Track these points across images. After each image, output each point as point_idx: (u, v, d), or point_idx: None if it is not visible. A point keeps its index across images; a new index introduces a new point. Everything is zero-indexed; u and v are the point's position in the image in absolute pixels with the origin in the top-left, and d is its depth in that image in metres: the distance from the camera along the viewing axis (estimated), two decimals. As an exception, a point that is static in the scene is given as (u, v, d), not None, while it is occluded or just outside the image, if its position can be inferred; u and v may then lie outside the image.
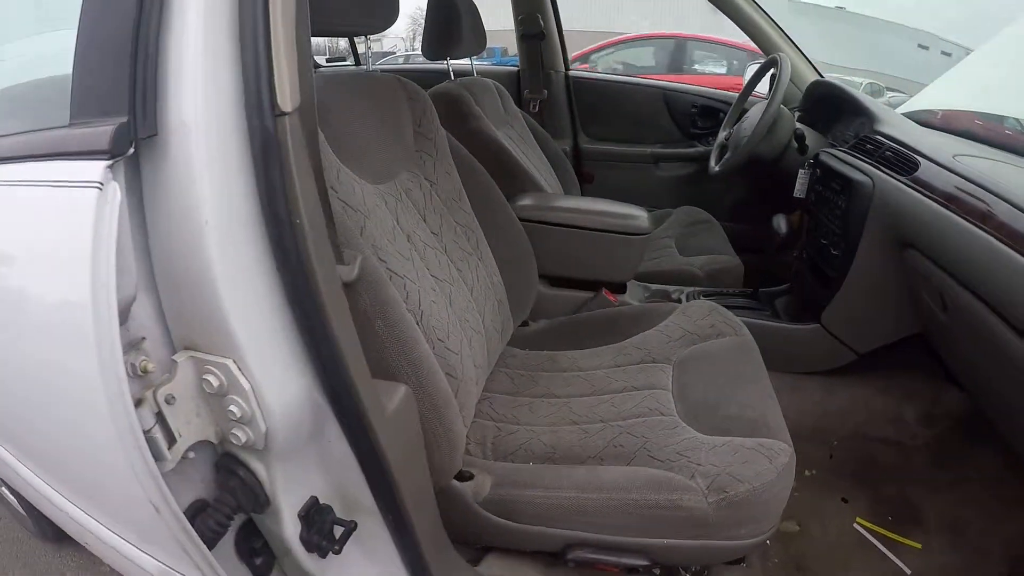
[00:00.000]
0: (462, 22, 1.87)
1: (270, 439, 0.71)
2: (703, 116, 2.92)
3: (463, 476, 1.10)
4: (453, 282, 1.20)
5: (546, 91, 2.94)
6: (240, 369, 0.67)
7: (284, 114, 0.62)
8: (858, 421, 1.92)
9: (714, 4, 2.47)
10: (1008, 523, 1.66)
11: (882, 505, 1.72)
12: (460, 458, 1.07)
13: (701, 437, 1.11)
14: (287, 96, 0.62)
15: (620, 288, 1.93)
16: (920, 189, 1.51)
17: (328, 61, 3.77)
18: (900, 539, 1.63)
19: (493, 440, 1.20)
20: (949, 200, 1.40)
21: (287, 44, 0.62)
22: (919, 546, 1.62)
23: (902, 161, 1.63)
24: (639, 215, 1.81)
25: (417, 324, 1.02)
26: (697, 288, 2.08)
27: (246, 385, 0.67)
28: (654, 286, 2.08)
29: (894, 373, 1.92)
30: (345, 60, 3.65)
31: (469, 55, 2.03)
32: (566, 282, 1.90)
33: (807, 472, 1.79)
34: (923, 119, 2.09)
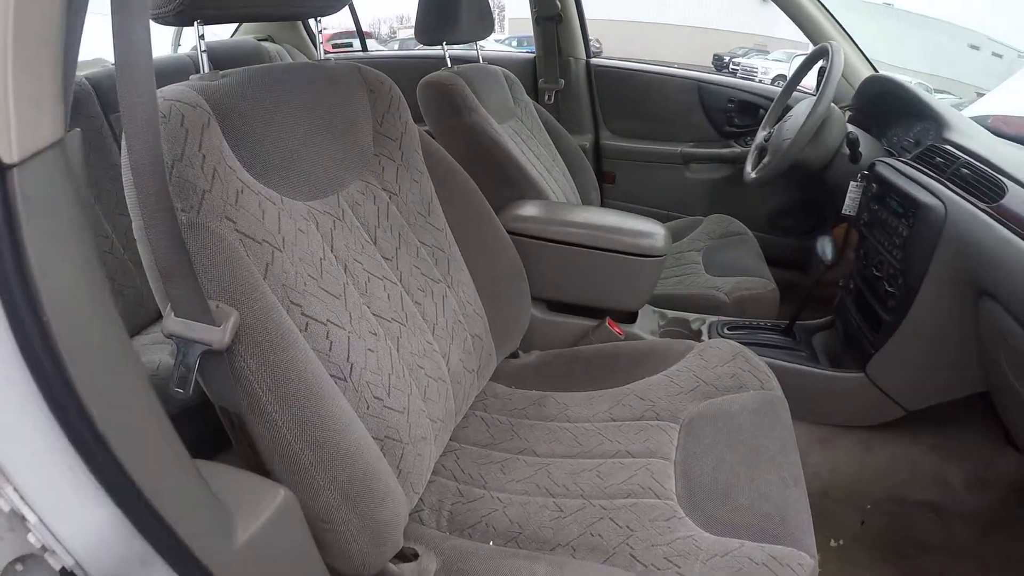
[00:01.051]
0: (461, 2, 1.68)
1: (89, 573, 0.53)
2: (741, 113, 2.67)
3: (405, 555, 0.92)
4: (405, 320, 1.00)
5: (563, 80, 2.71)
6: (22, 497, 0.50)
7: (10, 167, 0.42)
8: (897, 482, 1.67)
9: None
10: None
11: None
12: (396, 542, 0.88)
13: (701, 537, 0.91)
14: (12, 142, 0.41)
15: (629, 317, 1.72)
16: (1007, 222, 1.24)
17: (335, 47, 3.56)
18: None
19: (452, 507, 1.02)
20: None
21: (18, 68, 0.40)
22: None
23: (983, 183, 1.36)
24: (655, 232, 1.58)
25: (344, 380, 0.83)
26: (722, 319, 1.84)
27: (31, 516, 0.50)
28: (671, 313, 1.86)
29: (944, 429, 1.66)
30: (352, 45, 3.44)
31: (472, 39, 1.84)
32: (565, 308, 1.69)
33: (833, 542, 1.56)
34: (994, 127, 1.83)
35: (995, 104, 2.31)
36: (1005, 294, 1.22)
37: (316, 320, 0.82)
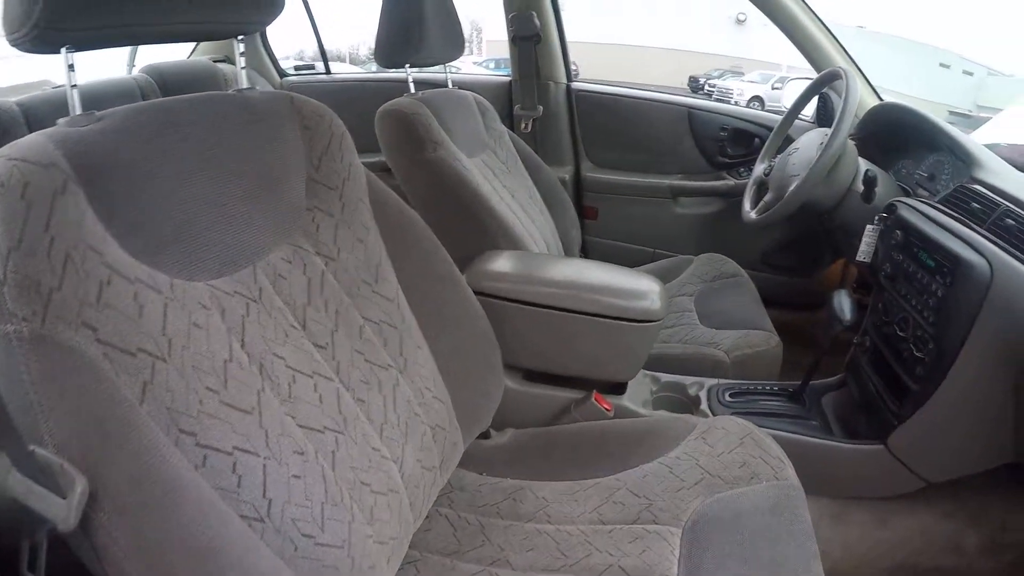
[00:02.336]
0: (426, 19, 1.51)
1: None
2: (735, 142, 2.54)
3: None
4: (343, 427, 0.81)
5: (541, 107, 2.54)
6: None
7: None
8: (909, 552, 1.54)
9: (764, 13, 2.15)
10: None
11: None
12: None
13: None
14: None
15: (618, 386, 1.53)
16: None
17: (297, 69, 3.37)
18: None
19: None
20: None
21: None
22: None
23: None
24: (649, 292, 1.39)
25: (262, 520, 0.65)
26: (722, 382, 1.67)
27: None
28: (665, 377, 1.67)
29: (960, 494, 1.51)
30: (313, 68, 3.28)
31: (440, 61, 1.68)
32: (544, 377, 1.50)
33: None
34: (1009, 158, 1.69)
35: (1002, 131, 2.23)
36: None
37: (217, 450, 0.63)
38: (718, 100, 18.18)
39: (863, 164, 1.79)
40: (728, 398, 1.61)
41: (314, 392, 0.78)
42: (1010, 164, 1.64)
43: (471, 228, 1.53)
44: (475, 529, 1.02)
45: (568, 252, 1.98)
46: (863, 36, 19.83)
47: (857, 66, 2.19)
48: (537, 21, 2.40)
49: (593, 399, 1.43)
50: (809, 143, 1.84)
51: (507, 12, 2.44)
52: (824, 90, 2.08)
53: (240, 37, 0.88)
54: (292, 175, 0.86)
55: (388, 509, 0.84)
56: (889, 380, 1.50)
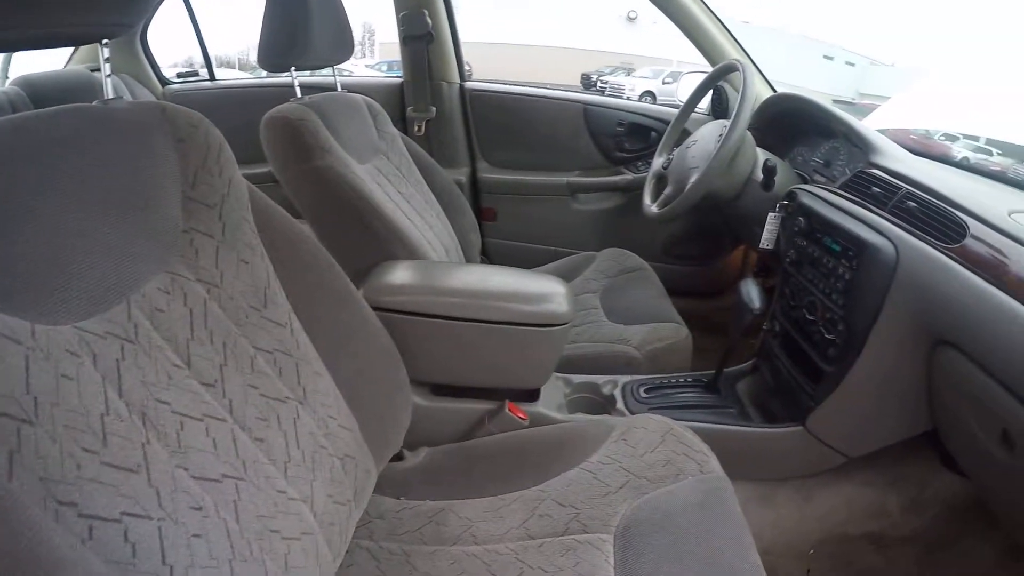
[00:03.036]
0: (311, 19, 1.43)
1: None
2: (631, 136, 2.58)
3: None
4: (243, 472, 0.74)
5: (435, 108, 2.50)
6: None
7: None
8: (836, 522, 1.60)
9: (660, 9, 2.21)
10: None
11: None
12: None
13: None
14: None
15: (531, 393, 1.50)
16: (971, 266, 1.15)
17: (180, 76, 3.17)
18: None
19: None
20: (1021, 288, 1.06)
21: None
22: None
23: (939, 220, 1.27)
24: (555, 294, 1.37)
25: None
26: (635, 378, 1.67)
27: None
28: (577, 378, 1.66)
29: (878, 461, 1.58)
30: (198, 74, 3.12)
31: (328, 64, 1.61)
32: (454, 390, 1.45)
33: None
34: (899, 141, 1.78)
35: (889, 117, 2.33)
36: (972, 345, 1.13)
37: (104, 519, 0.55)
38: (611, 96, 18.66)
39: (761, 154, 1.84)
40: (644, 394, 1.62)
41: (206, 437, 0.70)
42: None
43: (365, 239, 1.46)
44: (400, 559, 0.97)
45: (468, 256, 1.95)
46: (750, 31, 20.74)
47: (751, 59, 2.27)
48: (429, 20, 2.36)
49: (507, 409, 1.40)
50: (707, 135, 1.87)
51: (397, 11, 2.39)
52: (719, 83, 2.11)
53: (104, 41, 0.80)
54: (165, 195, 0.77)
55: (303, 554, 0.78)
56: (802, 363, 1.54)
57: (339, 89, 1.74)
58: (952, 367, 1.20)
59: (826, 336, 1.43)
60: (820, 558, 1.58)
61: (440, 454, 1.23)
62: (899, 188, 1.41)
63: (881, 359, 1.35)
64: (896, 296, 1.29)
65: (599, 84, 20.83)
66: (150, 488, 0.61)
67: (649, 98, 18.28)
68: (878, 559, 1.58)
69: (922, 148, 1.83)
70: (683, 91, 2.46)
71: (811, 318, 1.49)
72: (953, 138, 2.41)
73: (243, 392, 0.77)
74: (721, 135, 1.75)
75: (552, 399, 1.55)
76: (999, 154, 2.27)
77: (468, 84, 2.56)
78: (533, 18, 24.90)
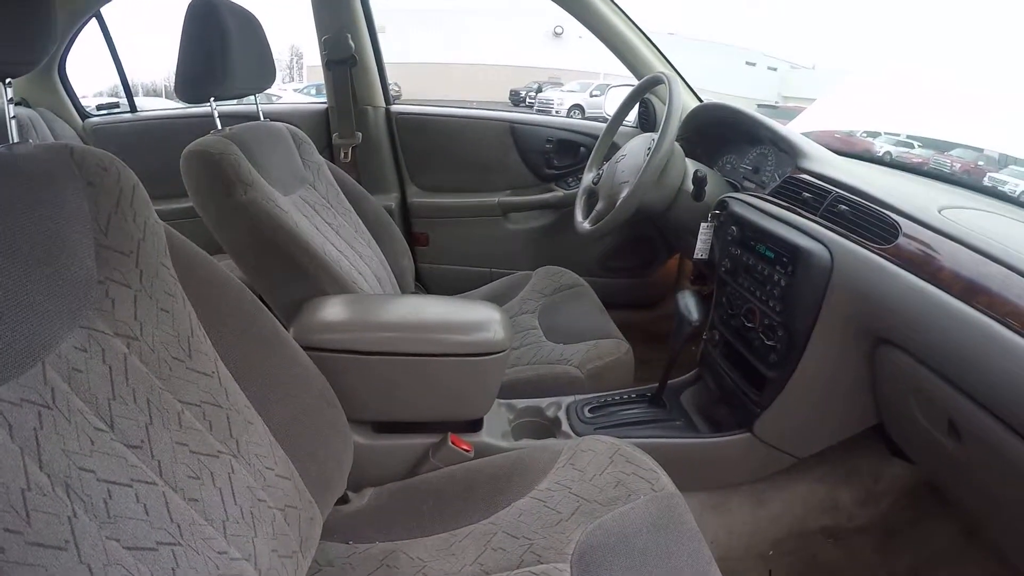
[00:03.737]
0: (231, 46, 1.38)
1: None
2: (560, 153, 2.60)
3: None
4: (179, 537, 0.70)
5: (360, 134, 2.47)
6: None
7: None
8: (792, 520, 1.65)
9: (585, 25, 2.24)
10: None
11: None
12: None
13: None
14: None
15: (474, 423, 1.49)
16: (905, 265, 1.19)
17: (99, 108, 3.05)
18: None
19: None
20: (957, 284, 1.10)
21: None
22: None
23: (871, 222, 1.31)
24: (490, 321, 1.35)
25: None
26: (579, 398, 1.67)
27: None
28: (520, 403, 1.65)
29: (828, 457, 1.63)
30: (119, 105, 3.01)
31: (250, 92, 1.56)
32: (395, 426, 1.42)
33: None
34: (824, 143, 1.86)
35: (814, 120, 2.42)
36: (913, 343, 1.17)
37: None
38: (540, 111, 18.84)
39: (691, 164, 1.88)
40: (588, 414, 1.62)
41: (136, 503, 0.66)
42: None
43: (293, 275, 1.42)
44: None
45: (402, 284, 1.92)
46: (675, 42, 21.26)
47: (676, 70, 2.32)
48: (352, 43, 2.34)
49: (450, 442, 1.38)
50: (636, 149, 1.89)
51: (320, 34, 2.36)
52: (645, 96, 2.15)
53: (8, 81, 0.76)
54: (77, 244, 0.72)
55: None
56: (745, 370, 1.57)
57: (261, 118, 1.70)
58: (894, 365, 1.23)
59: (766, 342, 1.46)
60: (780, 556, 1.61)
61: (386, 494, 1.20)
62: (829, 192, 1.45)
63: (823, 361, 1.38)
64: (833, 299, 1.32)
65: (528, 100, 21.04)
66: (81, 565, 0.57)
67: (578, 112, 18.60)
68: (837, 552, 1.62)
69: (846, 147, 1.92)
70: (610, 105, 2.50)
71: (750, 325, 1.52)
72: (875, 134, 2.50)
73: (172, 451, 0.73)
74: (650, 148, 1.77)
75: (496, 427, 1.53)
76: (920, 146, 2.38)
77: (394, 108, 2.53)
78: (461, 37, 25.02)
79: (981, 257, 1.11)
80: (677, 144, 1.85)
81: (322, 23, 2.34)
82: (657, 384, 1.72)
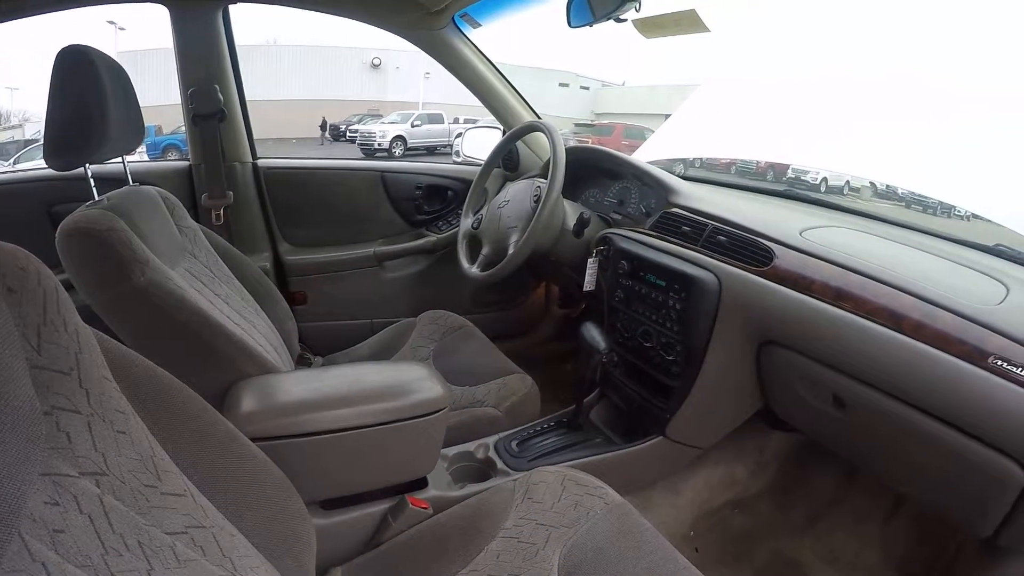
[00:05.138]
0: (107, 107, 1.22)
1: None
2: (430, 198, 2.63)
3: None
4: None
5: (231, 192, 2.29)
6: None
7: None
8: (702, 501, 1.89)
9: (454, 75, 2.34)
10: (873, 534, 1.77)
11: (766, 573, 1.74)
12: None
13: None
14: None
15: (420, 481, 1.45)
16: (782, 283, 1.45)
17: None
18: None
19: None
20: (826, 293, 1.38)
21: None
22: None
23: (748, 250, 1.55)
24: (425, 378, 1.32)
25: None
26: (502, 435, 1.74)
27: None
28: (452, 451, 1.66)
29: (722, 441, 1.87)
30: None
31: (120, 154, 1.39)
32: (347, 500, 1.34)
33: None
34: (668, 169, 2.12)
35: (659, 148, 2.59)
36: (795, 341, 1.44)
37: None
38: (362, 144, 18.71)
39: (569, 206, 1.99)
40: (516, 448, 1.70)
41: None
42: (675, 175, 2.03)
43: (209, 359, 1.26)
44: None
45: (289, 347, 1.80)
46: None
47: (537, 114, 2.46)
48: (220, 96, 2.17)
49: (409, 504, 1.34)
50: (519, 195, 1.97)
51: (184, 87, 2.15)
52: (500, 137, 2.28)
53: None
54: (7, 369, 0.56)
55: None
56: (649, 384, 1.78)
57: (131, 181, 1.53)
58: (780, 359, 1.49)
59: (667, 358, 1.66)
60: (701, 534, 1.81)
61: (357, 570, 1.18)
62: (706, 225, 1.66)
63: (719, 367, 1.61)
64: (725, 316, 1.54)
65: (348, 133, 20.85)
66: None
67: (400, 143, 18.61)
68: (743, 518, 1.85)
69: (700, 175, 2.15)
70: (468, 147, 2.58)
71: (648, 345, 1.70)
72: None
73: None
74: (536, 195, 1.89)
75: (440, 479, 1.52)
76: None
77: (262, 162, 2.39)
78: (277, 72, 24.42)
79: (842, 269, 1.38)
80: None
81: (187, 74, 2.15)
82: (569, 408, 1.86)
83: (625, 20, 1.72)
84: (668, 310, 1.63)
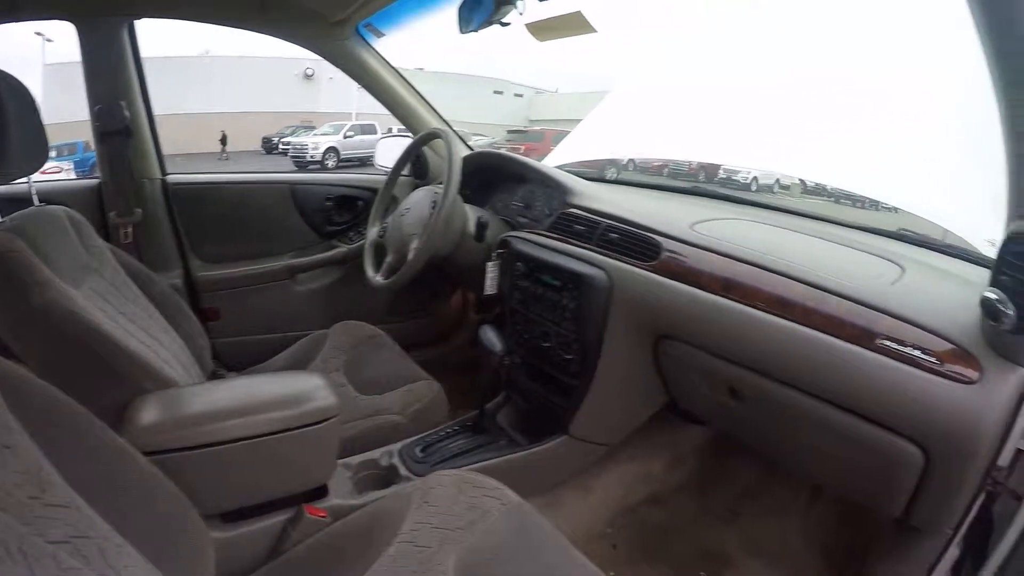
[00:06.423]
0: (9, 127, 1.22)
1: None
2: (340, 209, 2.67)
3: None
4: None
5: (140, 210, 2.27)
6: None
7: None
8: (618, 498, 1.90)
9: (361, 84, 2.40)
10: (795, 521, 1.81)
11: (687, 567, 1.74)
12: None
13: None
14: None
15: (320, 490, 1.47)
16: (670, 276, 1.48)
17: None
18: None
19: None
20: (715, 284, 1.41)
21: None
22: (740, 583, 1.67)
23: (637, 245, 1.58)
24: (317, 387, 1.36)
25: None
26: (406, 442, 1.77)
27: None
28: (355, 459, 1.68)
29: (635, 437, 1.91)
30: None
31: (24, 175, 1.37)
32: (245, 512, 1.36)
33: None
34: (578, 173, 2.22)
35: (567, 154, 2.67)
36: (689, 335, 1.47)
37: None
38: (294, 156, 18.46)
39: (471, 211, 2.04)
40: (420, 454, 1.73)
41: None
42: (583, 177, 2.10)
43: (108, 378, 1.27)
44: None
45: (202, 364, 1.81)
46: (425, 77, 21.87)
47: (446, 121, 2.52)
48: (127, 112, 2.15)
49: (306, 513, 1.37)
50: (419, 202, 2.02)
51: (91, 104, 2.12)
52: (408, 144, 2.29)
53: None
54: None
55: None
56: (550, 383, 1.81)
57: (36, 201, 1.54)
58: (677, 353, 1.52)
59: (565, 356, 1.69)
60: (620, 530, 1.82)
61: None
62: (599, 223, 1.69)
63: (617, 362, 1.64)
64: (616, 312, 1.58)
65: (281, 146, 20.57)
66: None
67: (333, 154, 18.41)
68: (663, 513, 1.87)
69: (634, 178, 2.22)
70: (381, 157, 2.63)
71: (546, 345, 1.74)
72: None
73: None
74: (434, 201, 1.91)
75: (342, 488, 1.54)
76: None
77: (170, 178, 2.37)
78: (210, 84, 23.90)
79: (730, 260, 1.41)
80: (458, 194, 1.97)
81: (94, 91, 2.13)
82: (475, 413, 1.88)
83: (509, 24, 1.77)
84: (563, 309, 1.67)
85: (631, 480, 1.95)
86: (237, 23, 2.29)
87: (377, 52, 2.41)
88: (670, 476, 1.98)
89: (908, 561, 1.36)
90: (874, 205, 2.31)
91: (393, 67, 2.43)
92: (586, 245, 1.69)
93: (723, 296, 1.39)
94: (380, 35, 2.36)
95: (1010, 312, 1.01)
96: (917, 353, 1.14)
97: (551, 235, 1.81)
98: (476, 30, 1.83)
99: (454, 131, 2.51)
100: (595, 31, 1.76)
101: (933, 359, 1.13)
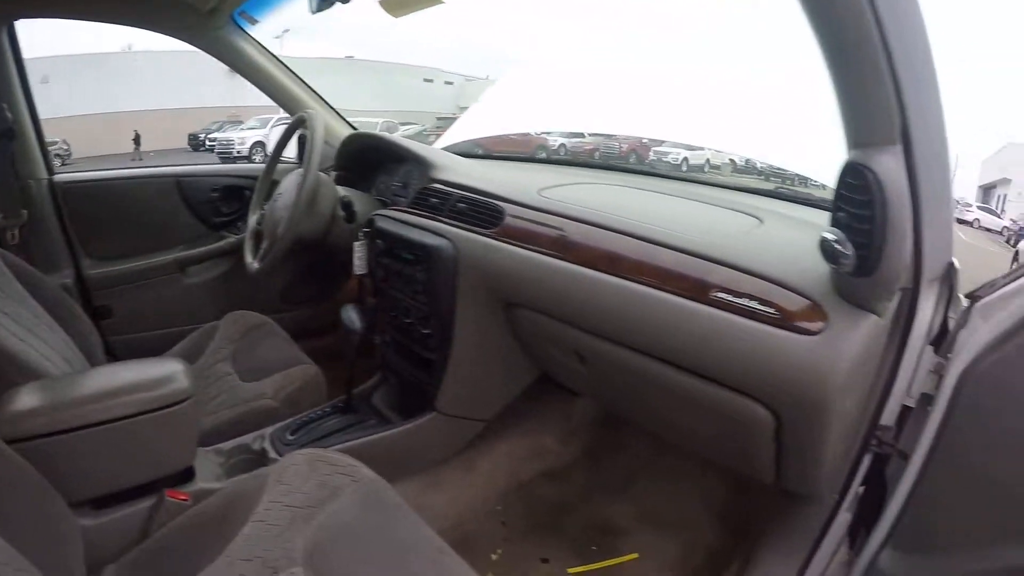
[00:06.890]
0: None
1: None
2: (227, 200, 2.70)
3: None
4: None
5: (26, 211, 2.27)
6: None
7: None
8: (507, 474, 1.90)
9: (238, 72, 2.40)
10: (690, 489, 1.82)
11: (580, 541, 1.75)
12: None
13: None
14: None
15: (186, 474, 1.51)
16: (513, 241, 1.49)
17: None
18: (616, 561, 1.69)
19: None
20: (553, 246, 1.40)
21: None
22: (636, 555, 1.70)
23: (481, 212, 1.60)
24: (173, 371, 1.40)
25: None
26: (278, 426, 1.80)
27: None
28: (227, 445, 1.72)
29: (520, 411, 1.92)
30: None
31: None
32: (112, 498, 1.39)
33: (493, 555, 1.72)
34: (468, 151, 2.29)
35: (461, 133, 2.73)
36: (533, 301, 1.49)
37: None
38: (220, 152, 17.96)
39: (341, 191, 2.08)
40: (290, 437, 1.76)
41: None
42: (469, 156, 2.17)
43: None
44: None
45: (93, 362, 1.82)
46: (354, 66, 21.51)
47: (330, 104, 2.56)
48: (9, 114, 2.14)
49: (167, 497, 1.41)
50: (290, 186, 2.04)
51: None
52: (302, 132, 2.28)
53: None
54: None
55: None
56: (415, 360, 1.82)
57: None
58: (526, 320, 1.54)
59: (423, 331, 1.72)
60: (512, 507, 1.84)
61: (128, 566, 1.20)
62: (452, 195, 1.73)
63: (472, 334, 1.67)
64: (464, 282, 1.60)
65: (207, 142, 20.09)
66: None
67: (260, 149, 18.04)
68: (556, 488, 1.88)
69: (515, 149, 2.25)
70: (273, 143, 2.62)
71: (408, 321, 1.77)
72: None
73: None
74: (300, 184, 1.93)
75: (210, 473, 1.57)
76: (591, 135, 2.83)
77: (58, 177, 2.38)
78: (133, 81, 23.13)
79: (567, 220, 1.43)
80: (323, 175, 2.03)
81: None
82: (345, 396, 1.90)
83: (349, 1, 1.75)
84: (417, 282, 1.70)
85: (523, 455, 1.95)
86: (113, 19, 2.29)
87: (254, 39, 2.44)
88: (564, 450, 1.99)
89: (794, 529, 1.33)
90: (803, 181, 2.29)
91: (272, 54, 2.47)
92: (438, 217, 1.72)
93: (557, 257, 1.40)
94: (254, 22, 2.39)
95: (848, 252, 0.94)
96: (754, 304, 1.08)
97: (411, 211, 1.83)
98: (318, 11, 1.82)
99: (335, 111, 2.59)
100: (443, 2, 1.76)
101: (771, 310, 1.07)
